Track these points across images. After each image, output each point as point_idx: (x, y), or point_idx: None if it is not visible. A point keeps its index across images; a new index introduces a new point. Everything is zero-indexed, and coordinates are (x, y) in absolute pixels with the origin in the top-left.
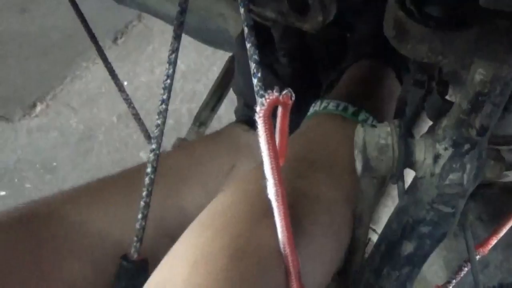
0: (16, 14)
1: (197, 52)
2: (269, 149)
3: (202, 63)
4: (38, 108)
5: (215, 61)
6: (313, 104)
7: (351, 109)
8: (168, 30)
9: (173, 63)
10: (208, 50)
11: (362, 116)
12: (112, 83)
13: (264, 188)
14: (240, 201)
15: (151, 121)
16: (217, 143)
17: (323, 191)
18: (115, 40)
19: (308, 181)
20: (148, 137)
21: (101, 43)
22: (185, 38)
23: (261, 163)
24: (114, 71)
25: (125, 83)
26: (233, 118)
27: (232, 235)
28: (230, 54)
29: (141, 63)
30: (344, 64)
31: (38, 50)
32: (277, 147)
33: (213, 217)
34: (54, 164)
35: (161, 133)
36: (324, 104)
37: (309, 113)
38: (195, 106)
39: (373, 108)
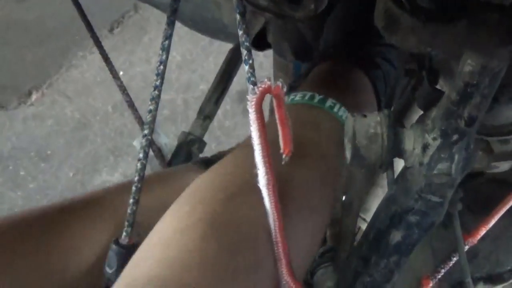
0: (13, 2)
1: (193, 42)
2: (260, 137)
3: (198, 54)
4: (34, 96)
5: (211, 51)
6: None
7: (317, 97)
8: (165, 20)
9: (166, 49)
10: (204, 40)
11: (328, 103)
12: (107, 72)
13: (254, 175)
14: (220, 180)
15: (146, 110)
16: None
17: (298, 173)
18: (111, 30)
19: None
20: (142, 125)
21: (97, 33)
22: (181, 29)
23: (241, 149)
24: (109, 59)
25: (121, 72)
26: (226, 109)
27: (209, 207)
28: (224, 43)
29: (137, 53)
30: (309, 65)
31: (35, 38)
32: (281, 138)
33: (191, 194)
34: (49, 152)
35: (154, 119)
36: (291, 96)
37: None
38: (191, 96)
39: (340, 97)
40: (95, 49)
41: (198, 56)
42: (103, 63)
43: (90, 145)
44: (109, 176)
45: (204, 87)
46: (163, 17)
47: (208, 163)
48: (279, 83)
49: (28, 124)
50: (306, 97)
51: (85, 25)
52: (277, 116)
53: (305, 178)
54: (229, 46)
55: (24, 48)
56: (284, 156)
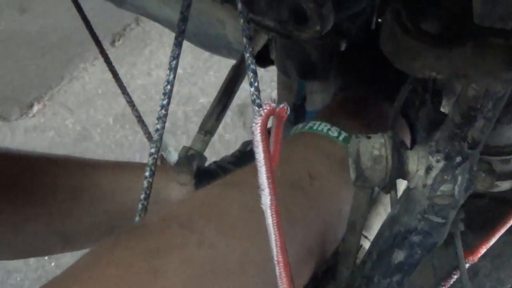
0: (15, 14)
1: (194, 55)
2: (265, 158)
3: (199, 67)
4: (35, 108)
5: (211, 65)
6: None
7: (325, 127)
8: (166, 34)
9: (173, 69)
10: (205, 53)
11: (334, 132)
12: (109, 84)
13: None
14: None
15: (147, 123)
16: None
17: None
18: (112, 42)
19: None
20: (150, 137)
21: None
22: (183, 42)
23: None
24: (117, 73)
25: None
26: (227, 122)
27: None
28: (226, 59)
29: (138, 66)
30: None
31: (37, 50)
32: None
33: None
34: None
35: (160, 137)
36: (306, 124)
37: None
38: (191, 109)
39: (351, 128)
40: (96, 61)
41: (198, 69)
42: (105, 75)
43: (91, 156)
44: None
45: (205, 100)
46: (164, 30)
47: (202, 175)
48: (284, 106)
49: (30, 136)
50: (315, 126)
51: (91, 36)
52: (273, 135)
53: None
54: (229, 60)
55: (26, 59)
56: None
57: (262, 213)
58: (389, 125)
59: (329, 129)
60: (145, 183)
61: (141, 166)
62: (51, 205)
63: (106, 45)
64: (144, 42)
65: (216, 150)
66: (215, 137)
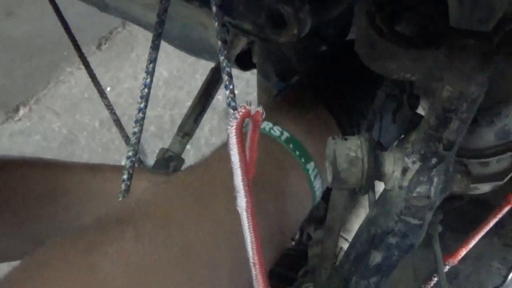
0: (2, 18)
1: (180, 59)
2: (241, 161)
3: (185, 70)
4: (21, 111)
5: (198, 68)
6: None
7: (267, 125)
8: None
9: (151, 72)
10: (191, 58)
11: (276, 132)
12: (95, 88)
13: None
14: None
15: (132, 127)
16: None
17: None
18: (99, 46)
19: None
20: (128, 141)
21: (85, 49)
22: (169, 46)
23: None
24: (95, 77)
25: (108, 88)
26: (213, 126)
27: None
28: (213, 63)
29: (124, 69)
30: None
31: (23, 54)
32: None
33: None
34: None
35: (138, 141)
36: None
37: None
38: (177, 113)
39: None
40: (82, 65)
41: (185, 73)
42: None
43: (77, 160)
44: None
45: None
46: (151, 34)
47: None
48: (259, 109)
49: (16, 140)
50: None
51: (71, 41)
52: (249, 139)
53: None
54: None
55: (12, 63)
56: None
57: (204, 207)
58: (329, 127)
59: (271, 128)
60: (123, 186)
61: (118, 169)
62: (20, 209)
63: (92, 48)
64: (130, 45)
65: (203, 153)
66: (202, 140)
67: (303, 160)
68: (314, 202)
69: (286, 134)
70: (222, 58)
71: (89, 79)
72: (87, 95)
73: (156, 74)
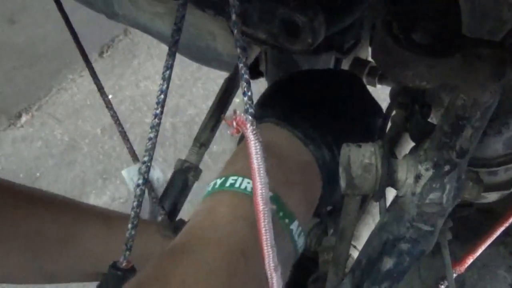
0: (4, 25)
1: (182, 67)
2: (260, 169)
3: (187, 78)
4: (24, 118)
5: (199, 76)
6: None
7: (248, 184)
8: (154, 45)
9: (167, 79)
10: (193, 65)
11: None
12: (97, 95)
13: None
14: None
15: (135, 134)
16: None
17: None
18: (101, 53)
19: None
20: (133, 153)
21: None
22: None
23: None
24: (102, 86)
25: (110, 96)
26: (223, 137)
27: None
28: (214, 71)
29: (126, 77)
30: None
31: (25, 61)
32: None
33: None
34: (38, 174)
35: (153, 146)
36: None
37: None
38: (179, 121)
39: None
40: (84, 72)
41: (186, 81)
42: (93, 86)
43: (79, 167)
44: (98, 199)
45: (193, 111)
46: (152, 42)
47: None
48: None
49: (17, 146)
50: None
51: (78, 48)
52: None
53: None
54: (217, 72)
55: (14, 70)
56: None
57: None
58: (308, 166)
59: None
60: (138, 191)
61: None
62: (37, 245)
63: (94, 56)
64: (132, 53)
65: (204, 162)
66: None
67: (286, 221)
68: (296, 257)
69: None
70: (241, 65)
71: (91, 86)
72: (89, 102)
73: (158, 82)
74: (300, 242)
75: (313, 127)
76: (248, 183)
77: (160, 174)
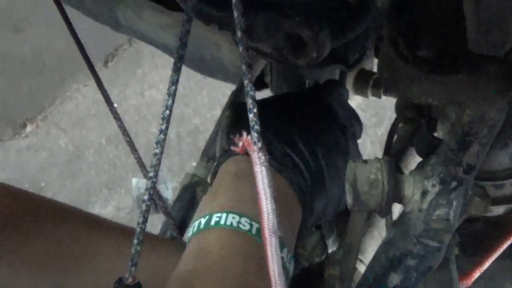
0: (9, 34)
1: (186, 76)
2: (269, 190)
3: (191, 88)
4: (28, 128)
5: (204, 86)
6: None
7: (233, 219)
8: (158, 54)
9: (172, 94)
10: (197, 75)
11: (245, 225)
12: (102, 105)
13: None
14: None
15: (139, 144)
16: None
17: None
18: (105, 63)
19: None
20: (141, 163)
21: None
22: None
23: None
24: (108, 96)
25: (115, 105)
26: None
27: None
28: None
29: (131, 86)
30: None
31: (30, 70)
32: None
33: None
34: (43, 184)
35: (159, 161)
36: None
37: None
38: (184, 130)
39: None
40: (89, 82)
41: (191, 90)
42: (98, 96)
43: (84, 177)
44: (103, 209)
45: (197, 121)
46: (156, 51)
47: None
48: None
49: (22, 156)
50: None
51: (83, 57)
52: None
53: None
54: (222, 82)
55: (19, 79)
56: None
57: None
58: (289, 194)
59: (239, 222)
60: (144, 206)
61: (151, 239)
62: (52, 258)
63: (99, 65)
64: (136, 62)
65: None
66: None
67: None
68: (288, 284)
69: (255, 226)
70: (246, 82)
71: (96, 96)
72: (93, 112)
73: (162, 90)
74: (291, 268)
75: (284, 153)
76: (233, 218)
77: (171, 195)
